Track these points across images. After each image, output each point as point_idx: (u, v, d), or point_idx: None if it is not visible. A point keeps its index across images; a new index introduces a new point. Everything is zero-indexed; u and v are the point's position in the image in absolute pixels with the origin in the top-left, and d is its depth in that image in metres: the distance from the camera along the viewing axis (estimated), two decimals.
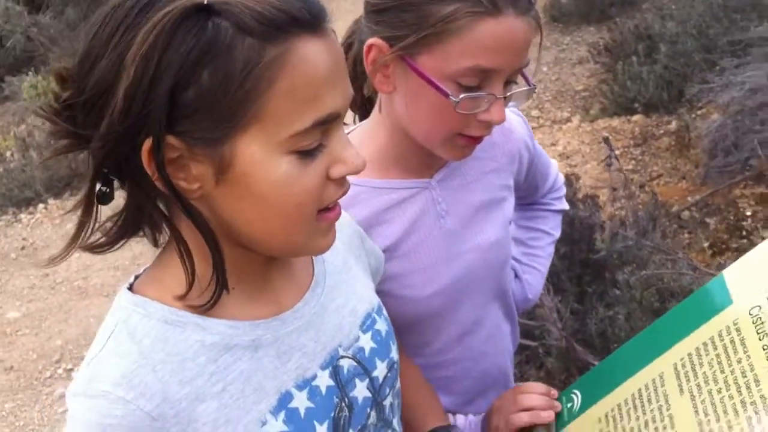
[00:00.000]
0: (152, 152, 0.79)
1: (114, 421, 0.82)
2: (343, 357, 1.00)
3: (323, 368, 0.97)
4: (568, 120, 5.79)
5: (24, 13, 10.85)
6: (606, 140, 3.39)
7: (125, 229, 0.90)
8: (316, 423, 0.94)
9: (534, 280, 1.64)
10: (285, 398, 0.92)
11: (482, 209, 1.37)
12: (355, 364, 1.01)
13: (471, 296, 1.38)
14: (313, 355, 0.97)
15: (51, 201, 6.55)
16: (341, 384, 0.99)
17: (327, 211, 0.89)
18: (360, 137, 1.30)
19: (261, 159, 0.81)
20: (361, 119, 1.40)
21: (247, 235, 0.88)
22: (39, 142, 6.37)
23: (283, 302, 0.98)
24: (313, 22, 0.82)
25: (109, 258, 5.49)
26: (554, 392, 1.24)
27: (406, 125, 1.23)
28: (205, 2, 0.78)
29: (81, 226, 0.87)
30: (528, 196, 1.57)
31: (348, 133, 0.98)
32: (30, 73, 8.67)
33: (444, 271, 1.32)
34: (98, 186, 0.85)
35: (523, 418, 1.19)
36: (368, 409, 1.02)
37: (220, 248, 0.87)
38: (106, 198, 0.86)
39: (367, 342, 1.05)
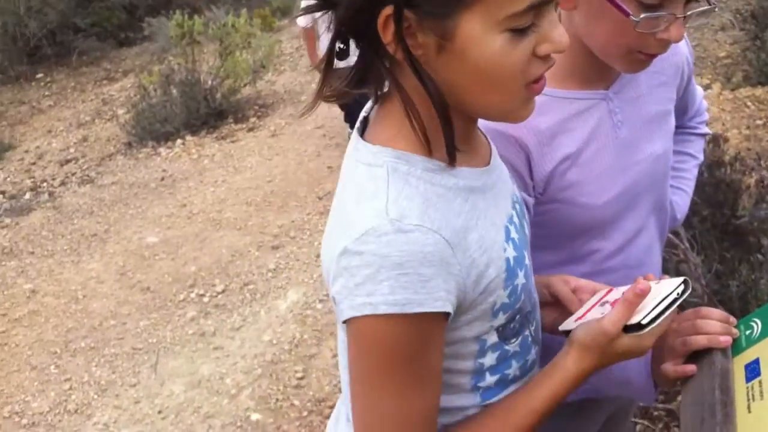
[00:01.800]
0: (387, 20, 0.89)
1: (431, 249, 0.92)
2: (515, 202, 1.15)
3: (512, 209, 1.12)
4: (708, 87, 5.62)
5: None
6: None
7: (351, 86, 1.02)
8: (524, 251, 1.11)
9: (682, 200, 1.67)
10: (507, 231, 1.07)
11: (654, 121, 1.41)
12: (519, 206, 1.17)
13: (637, 206, 1.42)
14: (507, 198, 1.12)
15: (188, 137, 6.82)
16: (520, 221, 1.14)
17: (533, 83, 0.96)
18: None
19: (479, 34, 0.90)
20: None
21: (460, 98, 0.97)
22: (181, 79, 6.61)
23: (483, 154, 1.11)
24: None
25: (241, 195, 5.70)
26: (733, 319, 1.25)
27: (586, 39, 1.27)
28: None
29: (324, 77, 1.01)
30: (677, 117, 1.57)
31: None
32: (170, 14, 8.96)
33: (618, 180, 1.37)
34: (338, 44, 0.97)
35: (701, 341, 1.20)
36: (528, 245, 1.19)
37: (445, 104, 0.96)
38: (343, 54, 0.98)
39: (517, 192, 1.20)
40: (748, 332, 1.22)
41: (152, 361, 4.11)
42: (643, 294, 1.06)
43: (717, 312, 1.25)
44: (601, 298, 1.19)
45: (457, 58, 0.92)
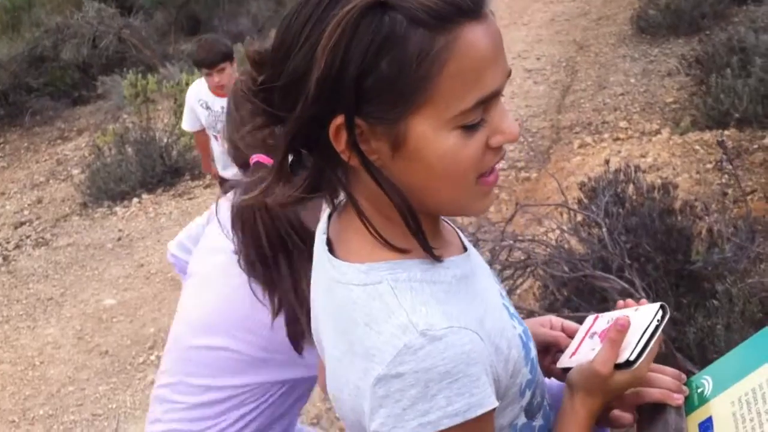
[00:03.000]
0: (338, 129, 0.90)
1: (469, 347, 0.91)
2: (495, 277, 1.18)
3: (498, 283, 1.15)
4: (658, 132, 5.75)
5: (117, 14, 11.19)
6: (721, 143, 3.36)
7: (306, 193, 1.01)
8: (523, 322, 1.12)
9: None
10: (506, 308, 1.09)
11: None
12: (496, 278, 1.19)
13: None
14: (490, 277, 1.14)
15: (145, 196, 6.77)
16: (504, 294, 1.16)
17: (486, 175, 0.97)
18: None
19: (431, 135, 0.91)
20: None
21: (418, 198, 0.96)
22: (136, 138, 6.59)
23: (455, 241, 1.12)
24: (476, 9, 0.90)
25: None
26: (683, 377, 1.27)
27: None
28: None
29: (269, 185, 1.01)
30: None
31: None
32: (123, 71, 8.95)
33: None
34: (289, 157, 0.98)
35: (654, 395, 1.21)
36: None
37: (408, 205, 0.96)
38: (297, 167, 1.00)
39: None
40: (699, 390, 1.23)
41: (113, 427, 4.03)
42: (623, 330, 1.09)
43: (670, 369, 1.27)
44: (589, 328, 1.23)
45: (411, 159, 0.92)
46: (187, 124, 4.98)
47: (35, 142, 9.09)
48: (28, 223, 6.79)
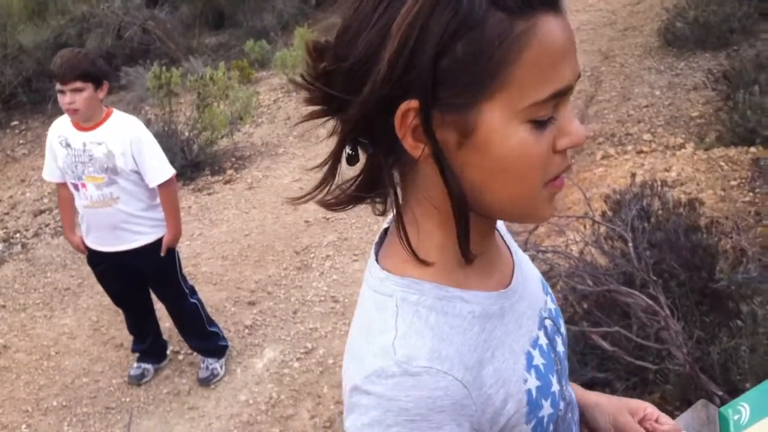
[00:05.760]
0: (406, 116, 0.86)
1: (441, 393, 0.87)
2: (545, 318, 1.10)
3: (539, 329, 1.07)
4: (682, 146, 5.70)
5: (142, 6, 11.24)
6: (757, 161, 3.32)
7: (359, 191, 0.99)
8: (550, 376, 1.04)
9: None
10: (529, 357, 1.02)
11: None
12: (551, 323, 1.12)
13: None
14: (532, 319, 1.06)
15: None
16: (550, 341, 1.09)
17: (553, 180, 0.93)
18: None
19: (501, 126, 0.87)
20: None
21: (478, 197, 0.92)
22: (158, 131, 6.58)
23: (504, 273, 1.06)
24: (555, 2, 0.88)
25: (217, 249, 5.66)
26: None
27: None
28: None
29: (323, 182, 0.97)
30: None
31: None
32: (147, 63, 8.96)
33: None
34: (347, 148, 0.94)
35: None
36: (565, 361, 1.14)
37: (467, 204, 0.92)
38: (353, 159, 0.94)
39: (551, 304, 1.16)
40: (736, 417, 1.22)
41: (125, 421, 4.04)
42: None
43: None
44: None
45: (477, 152, 0.88)
46: (46, 171, 3.89)
47: None
48: (47, 212, 6.81)
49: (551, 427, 1.03)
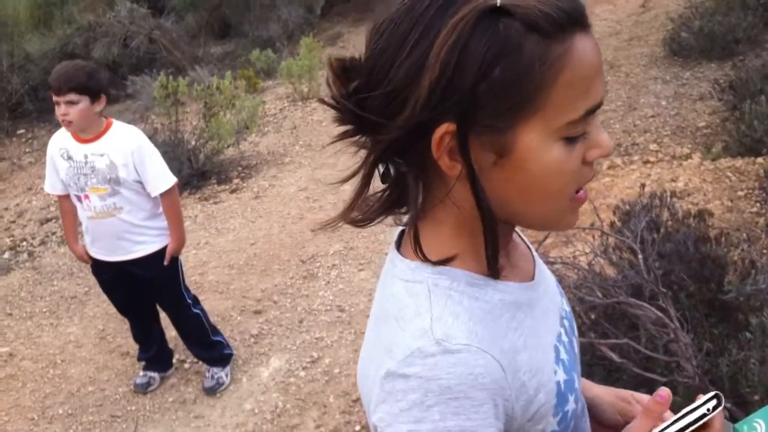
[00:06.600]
0: (443, 138, 0.88)
1: (481, 370, 0.88)
2: (563, 318, 1.12)
3: (561, 325, 1.09)
4: (689, 156, 5.70)
5: (148, 15, 11.28)
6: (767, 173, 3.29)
7: (386, 207, 1.01)
8: (573, 373, 1.06)
9: None
10: (556, 351, 1.04)
11: None
12: (568, 323, 1.13)
13: None
14: (555, 314, 1.09)
15: None
16: (569, 339, 1.10)
17: (578, 191, 0.96)
18: None
19: (538, 145, 0.89)
20: None
21: (510, 211, 0.96)
22: (164, 140, 6.59)
23: (526, 268, 1.08)
24: (585, 20, 0.90)
25: (224, 258, 5.66)
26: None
27: None
28: (498, 4, 0.85)
29: (356, 199, 0.99)
30: None
31: None
32: (153, 72, 8.98)
33: None
34: (380, 166, 0.96)
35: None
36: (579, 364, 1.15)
37: (495, 219, 0.94)
38: (387, 176, 0.97)
39: (566, 306, 1.17)
40: None
41: (131, 430, 4.03)
42: (662, 402, 1.05)
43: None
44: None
45: (513, 170, 0.91)
46: (48, 184, 3.89)
47: None
48: (54, 220, 6.82)
49: (572, 423, 1.04)
